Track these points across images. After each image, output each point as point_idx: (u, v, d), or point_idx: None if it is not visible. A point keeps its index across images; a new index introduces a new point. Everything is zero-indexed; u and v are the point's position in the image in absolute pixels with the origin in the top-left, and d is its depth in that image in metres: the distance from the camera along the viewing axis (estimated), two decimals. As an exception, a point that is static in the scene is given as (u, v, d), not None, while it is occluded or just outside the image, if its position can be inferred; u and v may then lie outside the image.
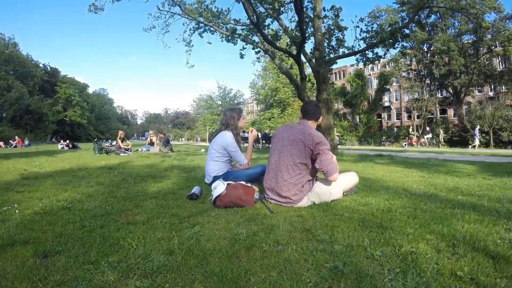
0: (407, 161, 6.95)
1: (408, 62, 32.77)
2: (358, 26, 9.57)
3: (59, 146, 17.08)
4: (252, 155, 3.12)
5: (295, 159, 2.27)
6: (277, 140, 2.43)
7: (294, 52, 10.09)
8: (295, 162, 2.27)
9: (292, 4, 9.36)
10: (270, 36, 9.64)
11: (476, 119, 24.61)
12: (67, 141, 19.23)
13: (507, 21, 25.35)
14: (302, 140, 2.27)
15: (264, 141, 18.89)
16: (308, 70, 14.00)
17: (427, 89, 31.69)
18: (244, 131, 20.31)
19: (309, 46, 13.02)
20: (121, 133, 11.69)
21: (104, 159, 7.49)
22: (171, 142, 14.41)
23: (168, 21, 12.31)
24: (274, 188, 2.34)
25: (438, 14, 26.61)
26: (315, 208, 2.20)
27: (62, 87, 47.89)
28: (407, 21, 9.95)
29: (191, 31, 12.08)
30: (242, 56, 11.81)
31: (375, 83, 39.86)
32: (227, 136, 2.92)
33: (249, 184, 2.49)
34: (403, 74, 34.58)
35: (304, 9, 8.88)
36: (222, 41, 11.37)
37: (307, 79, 11.06)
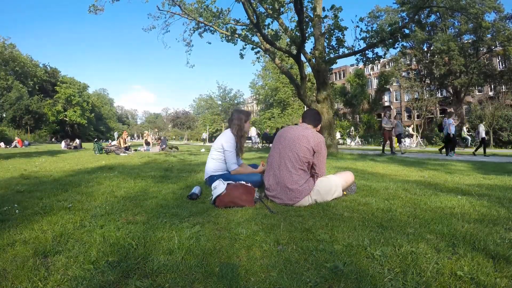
0: (407, 161, 6.95)
1: (408, 62, 32.80)
2: (358, 26, 9.57)
3: (62, 146, 17.01)
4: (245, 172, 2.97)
5: (299, 153, 2.31)
6: (279, 139, 2.47)
7: (294, 52, 10.09)
8: (299, 156, 2.31)
9: (292, 4, 9.36)
10: (270, 36, 9.64)
11: (476, 118, 24.63)
12: (71, 141, 18.95)
13: (507, 21, 25.39)
14: (306, 136, 2.33)
15: (264, 141, 18.88)
16: (308, 70, 14.02)
17: (427, 89, 31.70)
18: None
19: (309, 46, 13.05)
20: (125, 133, 12.61)
21: (104, 159, 7.49)
22: (170, 142, 14.60)
23: (168, 21, 12.31)
24: (279, 182, 2.33)
25: (438, 14, 26.62)
26: (315, 208, 2.20)
27: (62, 87, 47.81)
28: (407, 21, 9.96)
29: (191, 31, 12.10)
30: (242, 56, 11.83)
31: (375, 83, 39.88)
32: (228, 134, 2.95)
33: (249, 184, 2.49)
34: (403, 74, 34.58)
35: (304, 9, 8.87)
36: (222, 41, 11.38)
37: (307, 79, 11.05)
